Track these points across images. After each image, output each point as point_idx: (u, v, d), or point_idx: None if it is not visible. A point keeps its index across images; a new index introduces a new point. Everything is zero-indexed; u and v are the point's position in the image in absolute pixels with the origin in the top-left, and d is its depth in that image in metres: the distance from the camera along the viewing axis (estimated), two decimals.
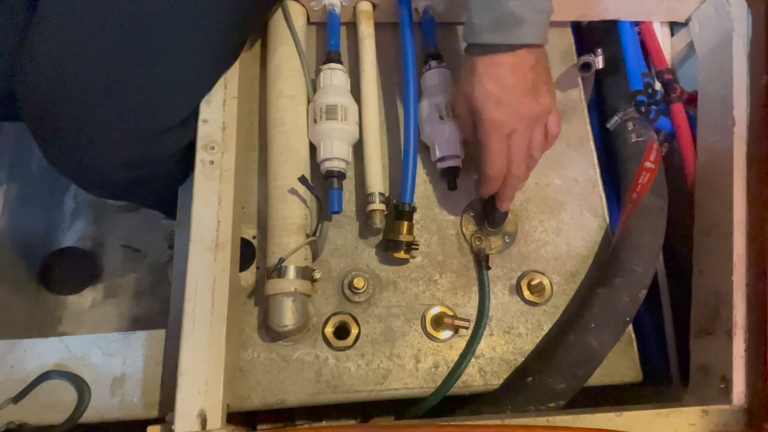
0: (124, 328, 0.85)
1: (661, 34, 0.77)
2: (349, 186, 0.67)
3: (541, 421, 0.52)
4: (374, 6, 0.71)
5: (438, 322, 0.62)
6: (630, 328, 0.63)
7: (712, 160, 0.66)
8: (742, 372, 0.55)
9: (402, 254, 0.62)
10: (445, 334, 0.62)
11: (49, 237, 0.89)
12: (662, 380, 0.69)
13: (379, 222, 0.63)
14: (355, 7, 0.72)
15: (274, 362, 0.60)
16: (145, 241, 0.90)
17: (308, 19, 0.72)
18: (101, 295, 0.88)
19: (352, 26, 0.72)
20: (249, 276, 0.62)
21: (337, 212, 0.62)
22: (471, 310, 0.64)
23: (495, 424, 0.51)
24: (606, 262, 0.64)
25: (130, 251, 0.89)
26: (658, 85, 0.72)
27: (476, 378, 0.61)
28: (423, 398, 0.60)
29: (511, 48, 0.54)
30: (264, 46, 0.70)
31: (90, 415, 0.56)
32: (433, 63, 0.68)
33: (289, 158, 0.62)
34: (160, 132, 0.56)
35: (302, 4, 0.70)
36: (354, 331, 0.61)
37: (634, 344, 0.63)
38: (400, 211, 0.62)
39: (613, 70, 0.73)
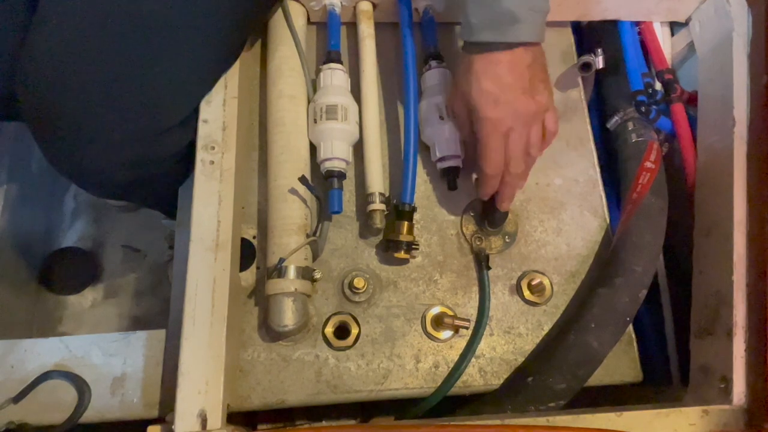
0: (124, 328, 0.85)
1: (661, 34, 0.77)
2: (349, 186, 0.67)
3: (541, 421, 0.52)
4: (374, 6, 0.71)
5: (438, 322, 0.62)
6: (630, 328, 0.63)
7: (712, 160, 0.66)
8: (743, 372, 0.55)
9: (402, 254, 0.62)
10: (446, 334, 0.62)
11: (49, 237, 0.89)
12: (662, 380, 0.69)
13: (379, 222, 0.63)
14: (355, 7, 0.71)
15: (275, 362, 0.60)
16: (145, 241, 0.90)
17: (308, 19, 0.72)
18: (101, 295, 0.88)
19: (353, 26, 0.72)
20: (249, 276, 0.62)
21: (338, 212, 0.62)
22: (471, 310, 0.64)
23: (495, 424, 0.51)
24: (606, 262, 0.64)
25: (130, 251, 0.89)
26: (658, 85, 0.72)
27: (476, 378, 0.61)
28: (423, 398, 0.60)
29: (508, 46, 0.54)
30: (264, 46, 0.70)
31: (90, 415, 0.56)
32: (433, 63, 0.68)
33: (290, 158, 0.62)
34: (160, 132, 0.56)
35: (302, 4, 0.70)
36: (354, 331, 0.61)
37: (635, 344, 0.63)
38: (400, 211, 0.62)
39: (613, 70, 0.73)
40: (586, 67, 0.72)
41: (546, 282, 0.65)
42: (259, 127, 0.69)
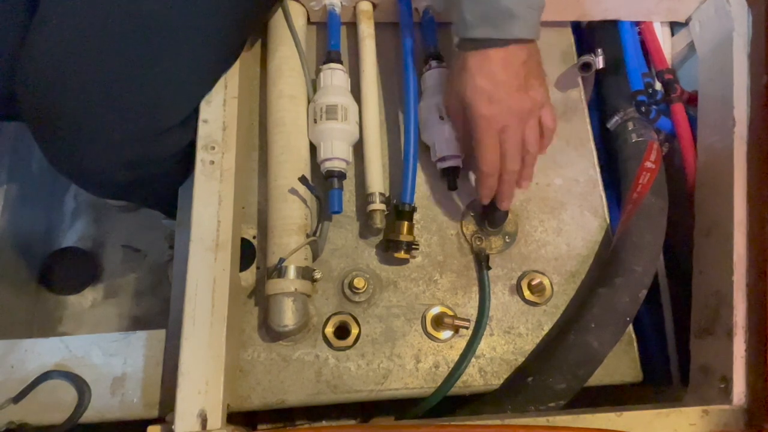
0: (124, 328, 0.85)
1: (661, 34, 0.77)
2: (349, 186, 0.67)
3: (541, 421, 0.52)
4: (374, 6, 0.71)
5: (438, 322, 0.62)
6: (630, 328, 0.63)
7: (713, 160, 0.66)
8: (743, 372, 0.55)
9: (402, 254, 0.62)
10: (446, 334, 0.62)
11: (49, 237, 0.89)
12: (662, 380, 0.69)
13: (379, 222, 0.63)
14: (355, 7, 0.71)
15: (275, 362, 0.60)
16: (146, 241, 0.90)
17: (308, 19, 0.72)
18: (101, 295, 0.88)
19: (353, 26, 0.72)
20: (249, 276, 0.62)
21: (338, 212, 0.62)
22: (471, 310, 0.64)
23: (495, 424, 0.51)
24: (606, 262, 0.64)
25: (130, 251, 0.89)
26: (658, 85, 0.72)
27: (476, 378, 0.61)
28: (423, 398, 0.60)
29: (503, 43, 0.54)
30: (264, 46, 0.70)
31: (90, 415, 0.56)
32: (433, 63, 0.68)
33: (290, 158, 0.62)
34: (160, 132, 0.56)
35: (302, 4, 0.70)
36: (354, 331, 0.61)
37: (635, 344, 0.63)
38: (400, 211, 0.62)
39: (613, 70, 0.73)
40: (586, 67, 0.72)
41: (546, 282, 0.65)
42: (259, 127, 0.69)
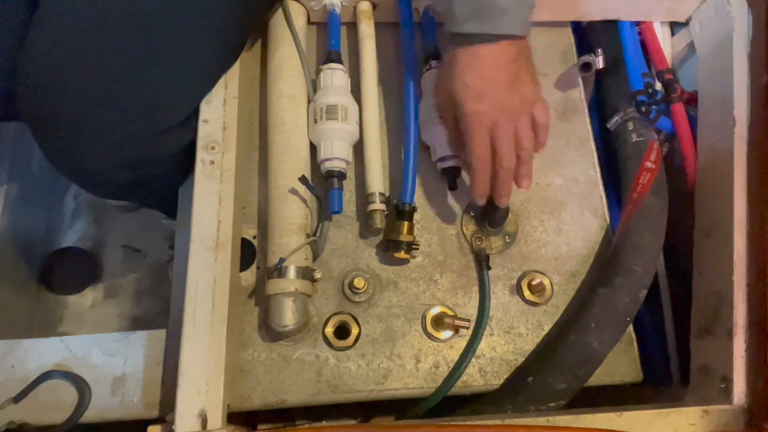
0: (124, 328, 0.85)
1: (661, 34, 0.77)
2: (349, 186, 0.67)
3: (542, 421, 0.52)
4: (374, 6, 0.71)
5: (438, 322, 0.62)
6: (630, 328, 0.63)
7: (713, 160, 0.66)
8: (743, 372, 0.55)
9: (402, 254, 0.62)
10: (446, 334, 0.62)
11: (49, 237, 0.89)
12: (662, 380, 0.69)
13: (379, 222, 0.63)
14: (355, 7, 0.71)
15: (275, 362, 0.60)
16: (146, 241, 0.90)
17: (308, 19, 0.72)
18: (101, 295, 0.88)
19: (353, 26, 0.72)
20: (249, 276, 0.62)
21: (338, 212, 0.62)
22: (471, 310, 0.64)
23: (495, 424, 0.51)
24: (606, 262, 0.64)
25: (130, 251, 0.89)
26: (658, 85, 0.73)
27: (476, 378, 0.61)
28: (423, 398, 0.60)
29: (493, 39, 0.54)
30: (264, 46, 0.70)
31: (90, 415, 0.56)
32: (433, 63, 0.68)
33: (290, 158, 0.62)
34: (160, 132, 0.56)
35: (302, 4, 0.70)
36: (354, 331, 0.61)
37: (635, 344, 0.63)
38: (400, 211, 0.62)
39: (613, 70, 0.73)
40: (586, 67, 0.72)
41: (546, 282, 0.65)
42: (259, 127, 0.69)
